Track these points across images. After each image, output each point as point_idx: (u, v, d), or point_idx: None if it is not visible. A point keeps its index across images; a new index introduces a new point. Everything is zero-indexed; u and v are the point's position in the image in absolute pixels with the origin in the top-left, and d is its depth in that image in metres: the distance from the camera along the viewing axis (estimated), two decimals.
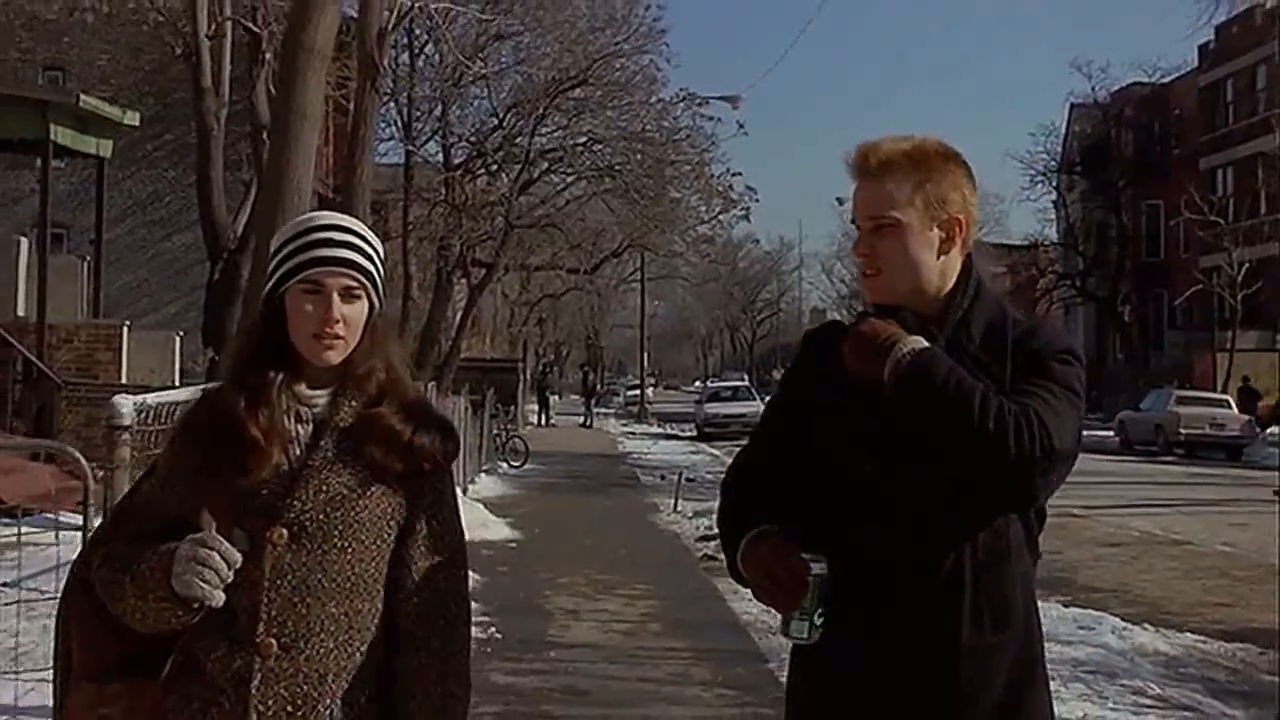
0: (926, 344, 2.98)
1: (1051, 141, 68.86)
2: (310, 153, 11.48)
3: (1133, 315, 65.39)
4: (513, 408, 43.12)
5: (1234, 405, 40.87)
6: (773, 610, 3.12)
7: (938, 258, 3.09)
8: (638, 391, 71.79)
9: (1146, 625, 11.69)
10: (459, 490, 15.52)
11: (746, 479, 3.26)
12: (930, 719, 2.94)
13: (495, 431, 31.87)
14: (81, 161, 23.29)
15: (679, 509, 21.19)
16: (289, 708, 2.84)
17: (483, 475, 25.94)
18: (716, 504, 3.33)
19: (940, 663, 2.93)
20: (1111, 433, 43.20)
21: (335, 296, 2.94)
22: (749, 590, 3.08)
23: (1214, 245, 52.86)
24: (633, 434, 50.68)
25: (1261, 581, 14.46)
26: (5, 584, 9.17)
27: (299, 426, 2.97)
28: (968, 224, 3.11)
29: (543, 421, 55.88)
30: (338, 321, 2.94)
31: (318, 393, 2.99)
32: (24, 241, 21.47)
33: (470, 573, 10.26)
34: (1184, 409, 39.33)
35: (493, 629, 10.74)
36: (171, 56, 27.96)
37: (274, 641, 2.85)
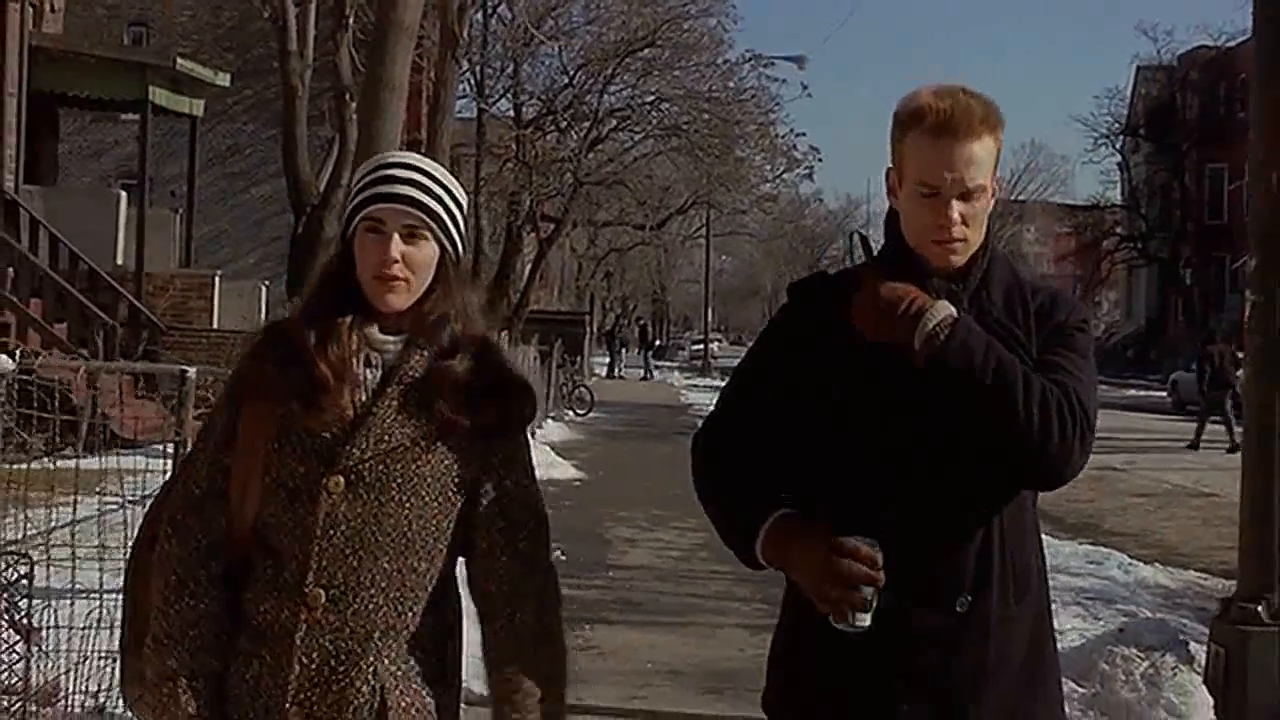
0: (955, 312, 2.85)
1: (1116, 104, 69.20)
2: (398, 122, 12.62)
3: (1194, 278, 65.71)
4: (579, 358, 44.32)
5: None
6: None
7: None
8: (702, 346, 72.68)
9: (1157, 564, 12.76)
10: (528, 434, 17.03)
11: (735, 443, 3.08)
12: (957, 692, 2.87)
13: (562, 381, 33.09)
14: (162, 116, 24.63)
15: None
16: (332, 662, 2.76)
17: (549, 421, 27.18)
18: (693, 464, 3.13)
19: (973, 637, 2.86)
20: (1166, 394, 43.85)
21: (396, 235, 2.82)
22: (783, 574, 2.94)
23: None
24: (695, 386, 51.61)
25: None
26: (132, 501, 10.44)
27: (367, 371, 2.85)
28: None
29: (614, 373, 57.05)
30: (396, 261, 2.81)
31: (389, 338, 2.87)
32: (123, 195, 22.83)
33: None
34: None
35: (558, 552, 11.90)
36: (250, 13, 29.13)
37: (322, 593, 2.76)
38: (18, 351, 4.98)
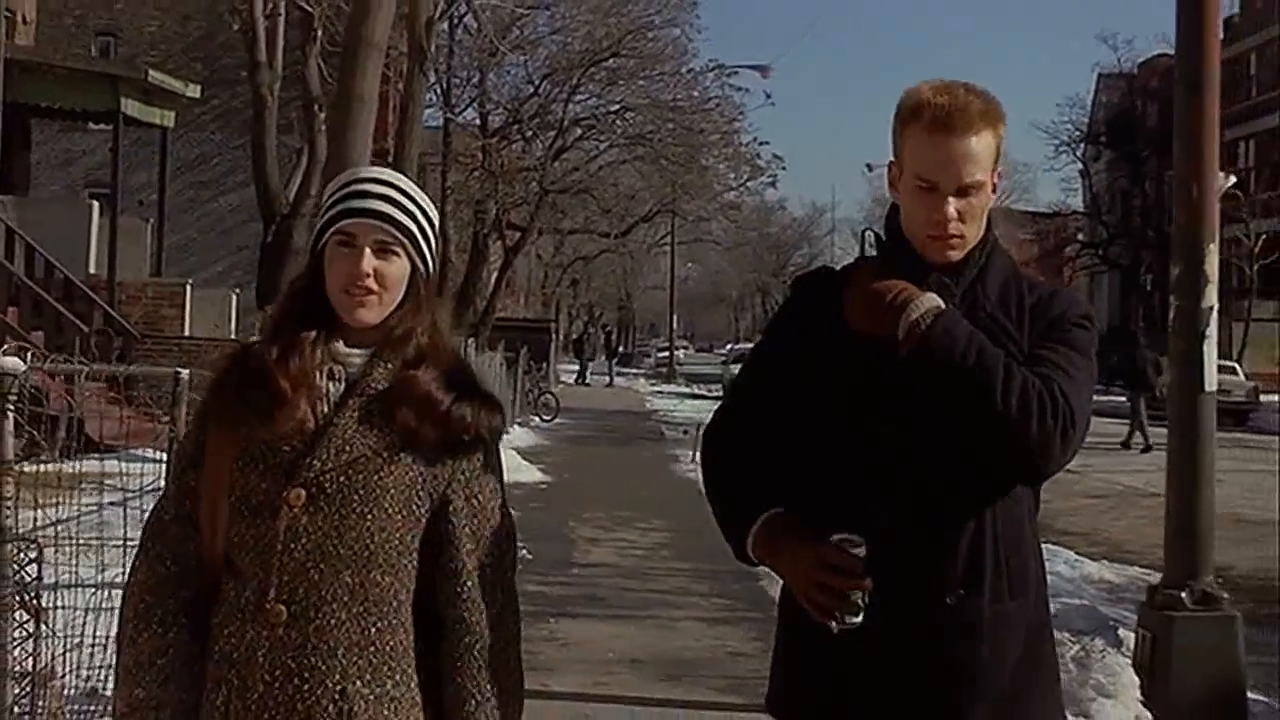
0: (942, 304, 2.87)
1: (1077, 112, 70.03)
2: (368, 134, 13.03)
3: (1155, 284, 66.51)
4: (545, 365, 44.73)
5: (1241, 372, 42.03)
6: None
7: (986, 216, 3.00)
8: (668, 353, 73.12)
9: (1104, 560, 13.25)
10: None
11: (735, 440, 3.12)
12: (951, 687, 2.87)
13: (528, 388, 33.49)
14: (133, 126, 24.90)
15: (696, 460, 22.79)
16: (295, 680, 2.71)
17: (516, 427, 27.56)
18: (699, 462, 3.17)
19: (966, 632, 2.86)
20: (1125, 398, 44.53)
21: (367, 250, 2.81)
22: (778, 577, 2.98)
23: (1232, 216, 53.98)
24: (661, 393, 52.15)
25: (1216, 529, 15.95)
26: (113, 502, 10.82)
27: (330, 384, 2.83)
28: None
29: (579, 380, 57.47)
30: (368, 276, 2.80)
31: (354, 351, 2.85)
32: (95, 205, 23.16)
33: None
34: None
35: (524, 550, 12.39)
36: (218, 24, 29.48)
37: (283, 609, 2.72)
38: (29, 354, 5.33)
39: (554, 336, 55.91)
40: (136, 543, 3.00)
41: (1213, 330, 7.60)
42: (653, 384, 61.29)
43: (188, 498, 2.82)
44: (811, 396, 2.96)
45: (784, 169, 40.47)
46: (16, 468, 5.29)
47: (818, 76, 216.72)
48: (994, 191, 2.96)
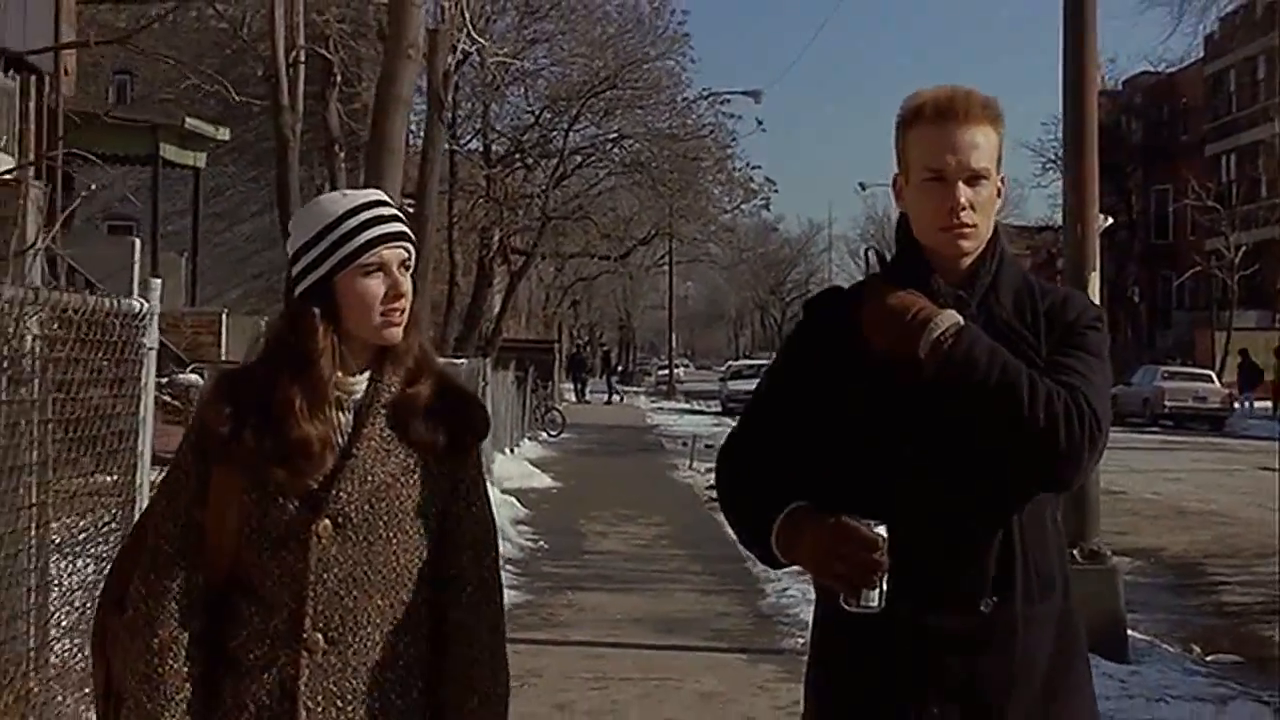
0: (961, 320, 2.85)
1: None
2: (398, 183, 14.87)
3: (1141, 296, 68.04)
4: (550, 384, 46.40)
5: (1217, 380, 43.74)
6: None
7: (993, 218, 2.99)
8: (668, 370, 74.64)
9: None
10: (508, 450, 20.01)
11: (754, 457, 3.09)
12: (990, 691, 2.86)
13: (535, 405, 35.26)
14: (169, 168, 26.63)
15: (694, 467, 24.70)
16: (338, 703, 2.79)
17: (525, 441, 29.38)
18: (716, 479, 3.24)
19: (1000, 638, 2.85)
20: None
21: (397, 273, 2.86)
22: (808, 570, 2.96)
23: (1214, 229, 55.61)
24: (661, 409, 53.71)
25: (1161, 518, 17.88)
26: None
27: (339, 414, 2.86)
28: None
29: (579, 398, 59.01)
30: (403, 296, 2.86)
31: (355, 378, 2.89)
32: (137, 242, 24.94)
33: (520, 507, 15.15)
34: (1168, 384, 42.25)
35: (540, 542, 14.47)
36: (231, 60, 31.27)
37: (321, 637, 2.78)
38: (204, 370, 7.00)
39: (557, 356, 57.47)
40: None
41: None
42: (653, 401, 62.60)
43: (194, 532, 2.82)
44: (828, 415, 2.96)
45: (776, 191, 42.11)
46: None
47: (811, 97, 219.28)
48: (999, 195, 2.97)
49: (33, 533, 5.06)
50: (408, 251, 2.89)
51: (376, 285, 2.83)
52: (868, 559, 2.78)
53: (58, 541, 5.33)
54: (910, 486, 2.86)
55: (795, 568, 3.08)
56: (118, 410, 5.64)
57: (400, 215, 2.93)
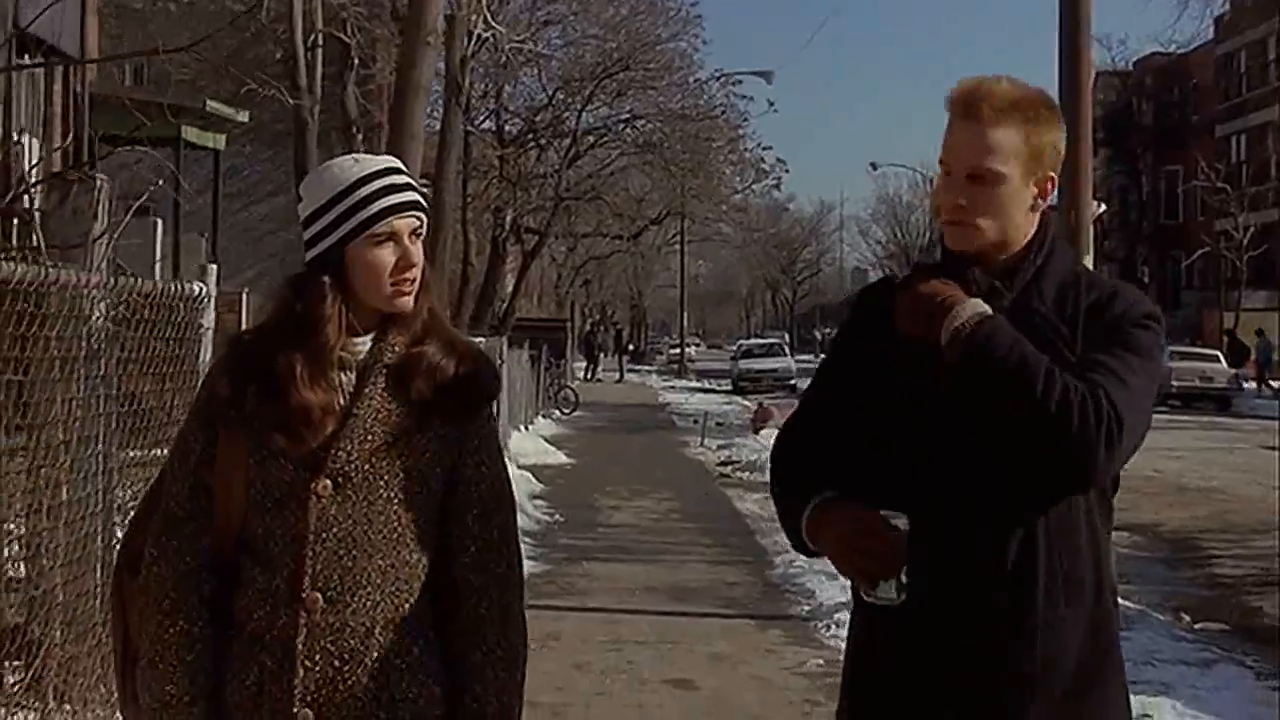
0: (987, 309, 2.83)
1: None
2: (417, 167, 15.29)
3: (1150, 276, 68.28)
4: (563, 362, 46.84)
5: (1224, 360, 44.07)
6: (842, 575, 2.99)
7: (1028, 214, 2.95)
8: (679, 349, 74.96)
9: None
10: (523, 427, 20.51)
11: (799, 446, 3.12)
12: (1006, 690, 2.84)
13: (549, 383, 35.72)
14: (189, 149, 27.04)
15: (705, 444, 25.22)
16: (335, 662, 2.78)
17: (540, 419, 29.89)
18: (768, 470, 3.22)
19: (1017, 639, 2.82)
20: None
21: (407, 241, 2.86)
22: (829, 560, 2.96)
23: (1223, 210, 55.84)
24: (673, 388, 54.05)
25: (1160, 495, 18.27)
26: None
27: (342, 374, 2.85)
28: (1055, 182, 3.00)
29: (590, 376, 59.40)
30: (414, 266, 2.86)
31: (359, 339, 2.88)
32: (159, 222, 25.44)
33: (535, 482, 15.74)
34: (1176, 364, 42.52)
35: (557, 515, 15.01)
36: (245, 42, 31.70)
37: (319, 596, 2.78)
38: None
39: (570, 335, 57.79)
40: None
41: None
42: (665, 380, 62.78)
43: (203, 494, 2.84)
44: (869, 402, 2.97)
45: (787, 172, 42.59)
46: None
47: (824, 77, 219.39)
48: (1043, 194, 2.95)
49: (100, 499, 5.52)
50: (419, 220, 2.89)
51: (387, 255, 2.83)
52: (884, 551, 2.80)
53: (122, 503, 5.78)
54: (932, 479, 2.86)
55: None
56: (178, 385, 6.09)
57: (413, 183, 2.91)
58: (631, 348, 77.86)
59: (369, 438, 2.80)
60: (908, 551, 2.79)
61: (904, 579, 2.80)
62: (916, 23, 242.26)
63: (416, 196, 2.89)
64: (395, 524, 2.82)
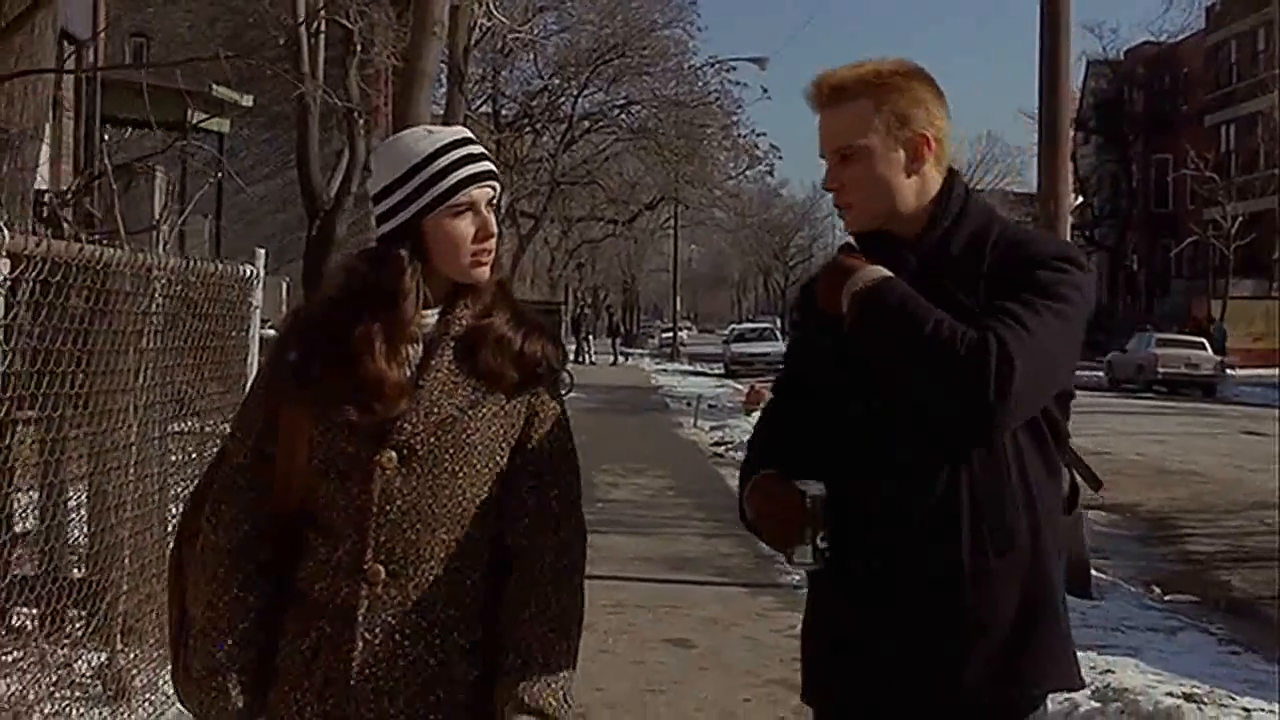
0: (884, 273, 2.87)
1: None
2: None
3: (1140, 263, 68.76)
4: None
5: (1209, 347, 44.60)
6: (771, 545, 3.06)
7: (908, 177, 2.97)
8: (672, 333, 75.33)
9: None
10: None
11: (760, 431, 3.23)
12: (942, 648, 2.88)
13: None
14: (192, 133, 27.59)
15: (698, 425, 25.79)
16: (396, 635, 2.77)
17: None
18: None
19: (944, 591, 2.86)
20: (1102, 373, 47.06)
21: (485, 211, 2.84)
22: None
23: (1212, 199, 56.37)
24: (665, 371, 54.17)
25: (1141, 477, 18.82)
26: None
27: (410, 347, 2.83)
28: (935, 140, 2.99)
29: (580, 359, 59.79)
30: (492, 236, 2.84)
31: (428, 311, 2.86)
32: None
33: None
34: (1162, 350, 42.97)
35: None
36: (245, 24, 32.17)
37: (381, 569, 2.76)
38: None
39: (563, 318, 58.19)
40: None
41: None
42: (658, 363, 62.89)
43: (264, 464, 2.85)
44: (812, 381, 3.05)
45: (780, 158, 43.31)
46: None
47: (817, 61, 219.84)
48: (917, 155, 2.98)
49: (160, 461, 6.06)
50: (495, 190, 2.88)
51: (466, 225, 2.81)
52: (791, 517, 2.89)
53: (178, 464, 6.33)
54: (855, 442, 2.92)
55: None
56: (227, 359, 6.63)
57: (487, 153, 2.90)
58: (624, 331, 78.28)
59: (435, 410, 2.79)
60: (818, 517, 2.88)
61: (819, 544, 2.89)
62: (910, 9, 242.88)
63: (491, 166, 2.89)
64: (459, 498, 2.81)
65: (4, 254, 3.71)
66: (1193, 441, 24.40)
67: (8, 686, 5.06)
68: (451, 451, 2.78)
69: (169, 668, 3.06)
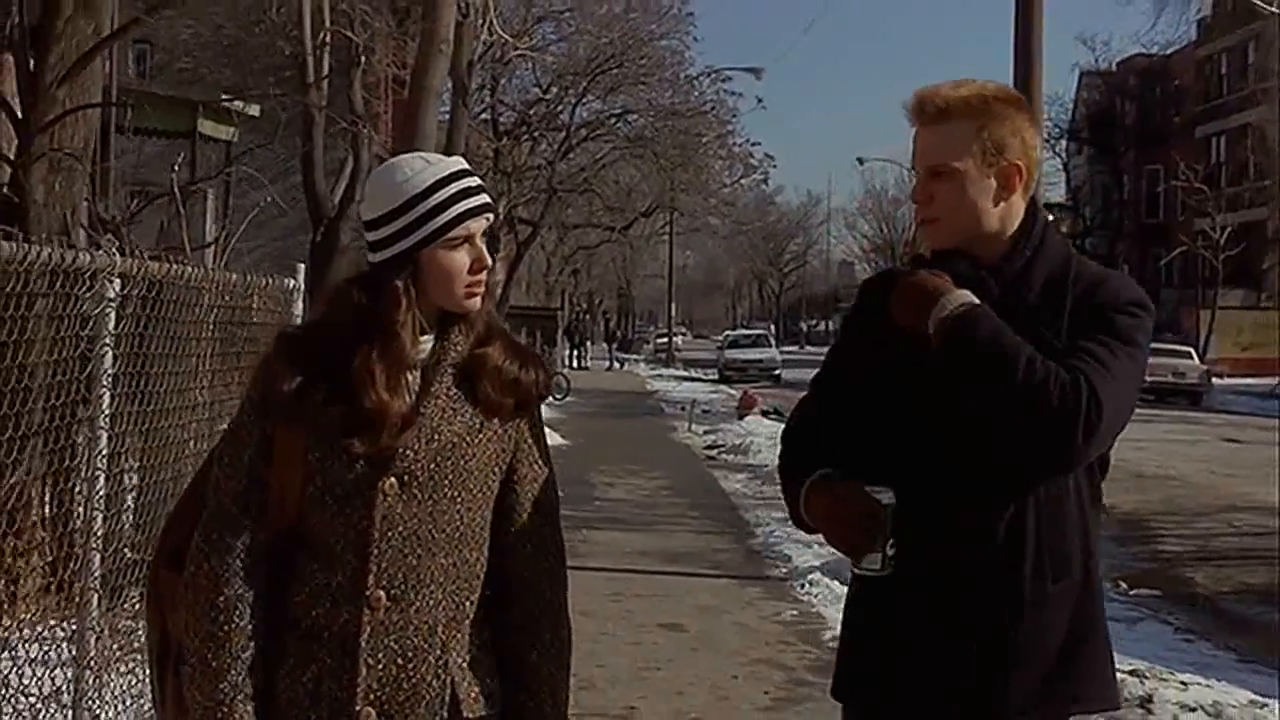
0: (974, 300, 2.90)
1: (1058, 110, 72.68)
2: None
3: (1130, 273, 68.87)
4: (554, 350, 47.84)
5: (1195, 356, 45.19)
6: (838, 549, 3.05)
7: (995, 205, 3.01)
8: (666, 339, 75.78)
9: None
10: None
11: (805, 428, 3.22)
12: (995, 668, 2.92)
13: None
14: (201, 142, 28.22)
15: (692, 429, 26.49)
16: (399, 660, 2.79)
17: None
18: (777, 454, 3.31)
19: (1004, 616, 2.90)
20: None
21: (480, 243, 2.86)
22: (819, 535, 3.06)
23: (1202, 210, 56.86)
24: (660, 376, 55.14)
25: (1118, 481, 19.14)
26: None
27: (408, 374, 2.83)
28: (1027, 170, 3.03)
29: (576, 365, 60.31)
30: (487, 267, 2.86)
31: (423, 338, 2.86)
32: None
33: None
34: (1150, 360, 43.55)
35: (557, 490, 16.18)
36: (248, 32, 32.73)
37: (383, 594, 2.77)
38: None
39: (559, 323, 58.69)
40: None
41: None
42: (653, 368, 63.64)
43: (257, 488, 2.82)
44: (870, 386, 3.06)
45: (775, 167, 43.59)
46: None
47: (813, 71, 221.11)
48: (1008, 184, 3.01)
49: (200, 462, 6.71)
50: (489, 220, 2.88)
51: (463, 258, 2.82)
52: (864, 524, 2.91)
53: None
54: (926, 458, 2.94)
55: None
56: None
57: (483, 184, 2.90)
58: (620, 336, 78.85)
59: (435, 437, 2.80)
60: (889, 525, 2.90)
61: (889, 552, 2.91)
62: (906, 20, 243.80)
63: (488, 198, 2.90)
64: (457, 522, 2.82)
65: (116, 274, 4.32)
66: (1173, 448, 25.01)
67: (83, 650, 5.68)
68: (451, 477, 2.81)
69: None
